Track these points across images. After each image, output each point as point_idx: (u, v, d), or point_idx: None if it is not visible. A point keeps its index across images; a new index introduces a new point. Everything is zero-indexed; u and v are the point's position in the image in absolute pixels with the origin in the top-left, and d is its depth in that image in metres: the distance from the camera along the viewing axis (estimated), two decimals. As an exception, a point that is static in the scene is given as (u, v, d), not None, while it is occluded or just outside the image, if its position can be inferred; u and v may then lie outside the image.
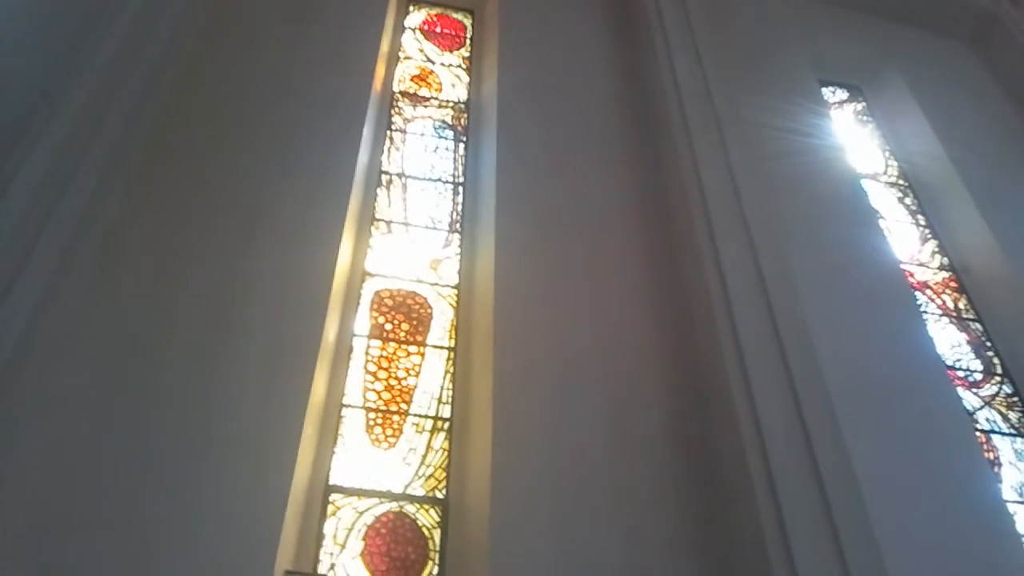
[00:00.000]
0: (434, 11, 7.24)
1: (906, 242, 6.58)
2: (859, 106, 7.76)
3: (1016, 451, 5.42)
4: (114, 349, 4.11)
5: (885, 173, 7.20)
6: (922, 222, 6.82)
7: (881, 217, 6.49)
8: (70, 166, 4.28)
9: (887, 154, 7.34)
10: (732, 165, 5.22)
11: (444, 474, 4.39)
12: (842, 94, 7.82)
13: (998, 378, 5.82)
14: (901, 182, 7.13)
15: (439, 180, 5.95)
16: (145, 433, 3.85)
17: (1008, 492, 5.10)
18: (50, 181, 4.16)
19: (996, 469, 5.24)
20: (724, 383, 4.24)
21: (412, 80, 6.63)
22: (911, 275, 6.26)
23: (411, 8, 7.18)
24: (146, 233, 4.61)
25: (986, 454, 5.26)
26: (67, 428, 3.80)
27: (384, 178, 5.81)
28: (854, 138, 7.36)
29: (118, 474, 3.70)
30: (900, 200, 6.98)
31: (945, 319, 6.13)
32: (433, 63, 6.84)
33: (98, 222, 4.45)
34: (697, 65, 5.95)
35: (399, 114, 6.32)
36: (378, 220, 5.55)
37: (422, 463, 4.42)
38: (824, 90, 7.54)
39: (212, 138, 5.17)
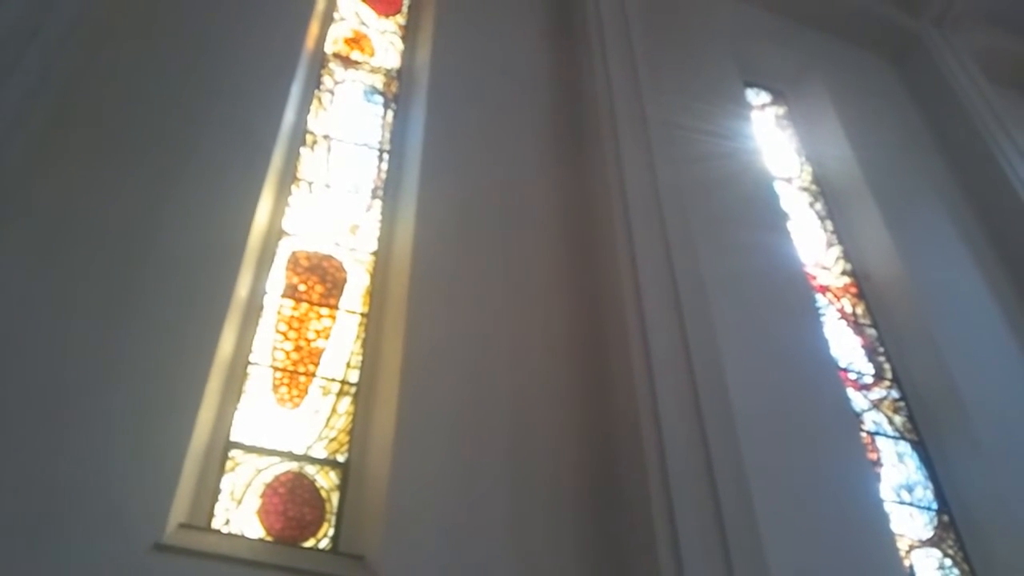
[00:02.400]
0: (373, -26, 7.17)
1: (812, 246, 6.80)
2: (780, 110, 7.96)
3: (898, 454, 5.68)
4: (23, 297, 4.02)
5: (799, 177, 7.41)
6: (829, 227, 7.06)
7: (790, 220, 6.68)
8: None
9: (802, 159, 7.56)
10: (654, 163, 5.32)
11: (347, 438, 4.41)
12: (765, 96, 8.01)
13: (887, 382, 6.08)
14: (813, 187, 7.35)
15: (365, 145, 5.93)
16: (49, 379, 3.78)
17: (887, 492, 5.36)
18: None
19: (878, 470, 5.49)
20: (628, 375, 4.33)
21: (345, 43, 6.57)
22: (814, 278, 6.47)
23: (350, -30, 7.10)
24: (56, 184, 4.48)
25: (870, 455, 5.50)
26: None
27: (309, 138, 5.77)
28: (773, 141, 7.56)
29: (16, 417, 3.64)
30: (810, 205, 7.20)
31: (843, 322, 6.36)
32: (368, 27, 6.79)
33: (12, 165, 4.32)
34: (629, 59, 6.05)
35: (330, 75, 6.26)
36: (300, 180, 5.50)
37: (326, 425, 4.43)
38: (748, 91, 7.71)
39: (134, 88, 5.03)
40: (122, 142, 4.77)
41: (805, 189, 7.32)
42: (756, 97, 7.89)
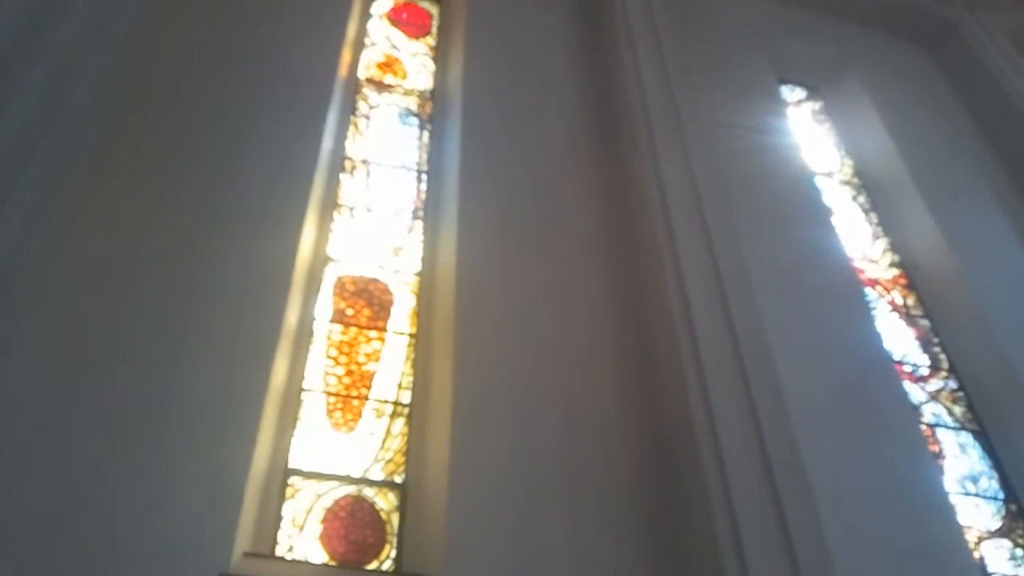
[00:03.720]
0: (401, -1, 7.25)
1: (858, 240, 6.72)
2: (816, 105, 7.89)
3: (960, 444, 5.57)
4: (76, 330, 4.10)
5: (840, 171, 7.33)
6: (874, 220, 6.97)
7: (834, 214, 6.61)
8: (28, 149, 4.24)
9: (842, 153, 7.48)
10: (692, 162, 5.29)
11: (403, 459, 4.43)
12: (800, 93, 7.94)
13: (944, 373, 5.97)
14: (854, 180, 7.27)
15: (403, 167, 5.97)
16: (108, 415, 3.84)
17: (952, 484, 5.26)
18: (6, 164, 4.12)
19: (940, 462, 5.39)
20: (679, 376, 4.31)
21: (378, 67, 6.64)
22: (862, 272, 6.39)
23: (378, -5, 7.18)
24: (105, 218, 4.58)
25: (931, 447, 5.41)
26: (29, 414, 3.79)
27: (348, 164, 5.82)
28: (810, 136, 7.49)
29: (78, 451, 3.70)
30: (853, 198, 7.12)
31: (895, 315, 6.27)
32: (399, 50, 6.85)
33: (55, 207, 4.42)
34: (660, 62, 6.03)
35: (364, 100, 6.32)
36: (341, 206, 5.56)
37: (381, 448, 4.46)
38: (783, 88, 7.66)
39: (175, 121, 5.15)
40: (166, 175, 4.87)
41: (847, 183, 7.24)
42: (791, 93, 7.83)
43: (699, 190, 5.13)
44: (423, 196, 5.80)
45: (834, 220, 6.45)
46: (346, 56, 6.20)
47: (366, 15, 6.94)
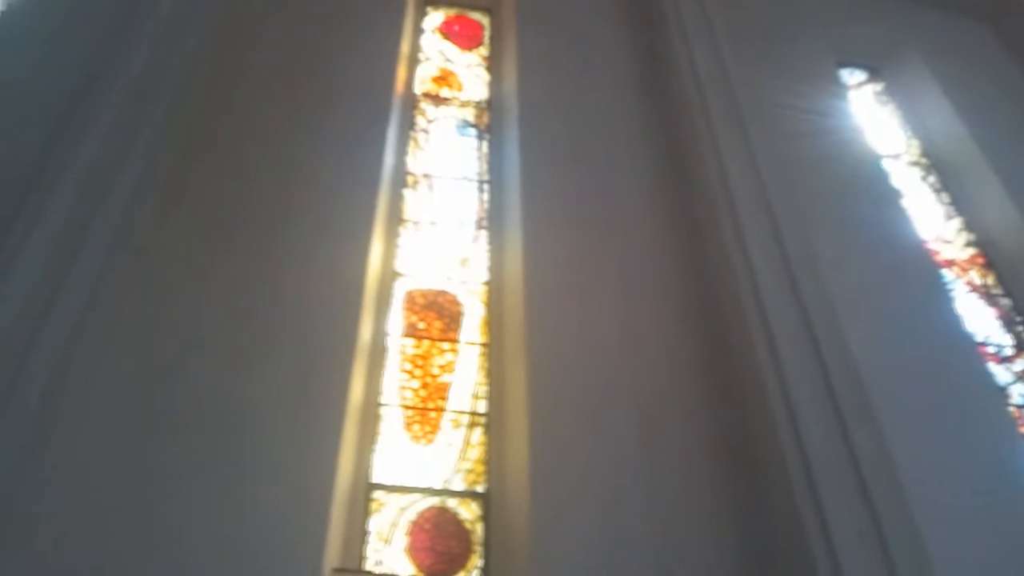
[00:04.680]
0: (451, 11, 7.28)
1: (930, 220, 6.57)
2: (878, 87, 7.73)
3: (1052, 424, 5.41)
4: (152, 358, 4.21)
5: (907, 152, 7.18)
6: (946, 200, 6.80)
7: (903, 196, 6.47)
8: (105, 176, 4.38)
9: (908, 134, 7.33)
10: (753, 147, 5.23)
11: (483, 468, 4.46)
12: (861, 75, 7.80)
13: (1030, 352, 5.81)
14: (923, 161, 7.11)
15: (464, 178, 6.01)
16: (191, 439, 3.94)
17: (1044, 466, 5.10)
18: (85, 191, 4.26)
19: (1031, 443, 5.24)
20: (755, 369, 4.26)
21: (433, 81, 6.68)
22: (936, 253, 6.25)
23: (428, 10, 7.22)
24: (178, 242, 4.70)
25: (1021, 429, 5.25)
26: (110, 432, 3.91)
27: (410, 179, 5.88)
28: (874, 119, 7.35)
29: (164, 480, 3.80)
30: (923, 179, 6.96)
31: (974, 295, 6.11)
32: (453, 63, 6.89)
33: (132, 230, 4.53)
34: (715, 50, 5.97)
35: (422, 115, 6.38)
36: (406, 221, 5.62)
37: (461, 458, 4.49)
38: (842, 71, 7.53)
39: (237, 148, 5.25)
40: (233, 203, 4.96)
41: (915, 163, 7.08)
42: (851, 76, 7.69)
43: (762, 177, 5.06)
44: (486, 206, 5.82)
45: (904, 202, 6.32)
46: (401, 73, 6.25)
47: (418, 31, 7.00)
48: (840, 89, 7.05)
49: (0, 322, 3.71)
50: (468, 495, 4.34)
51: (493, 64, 6.88)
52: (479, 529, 4.20)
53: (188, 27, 5.30)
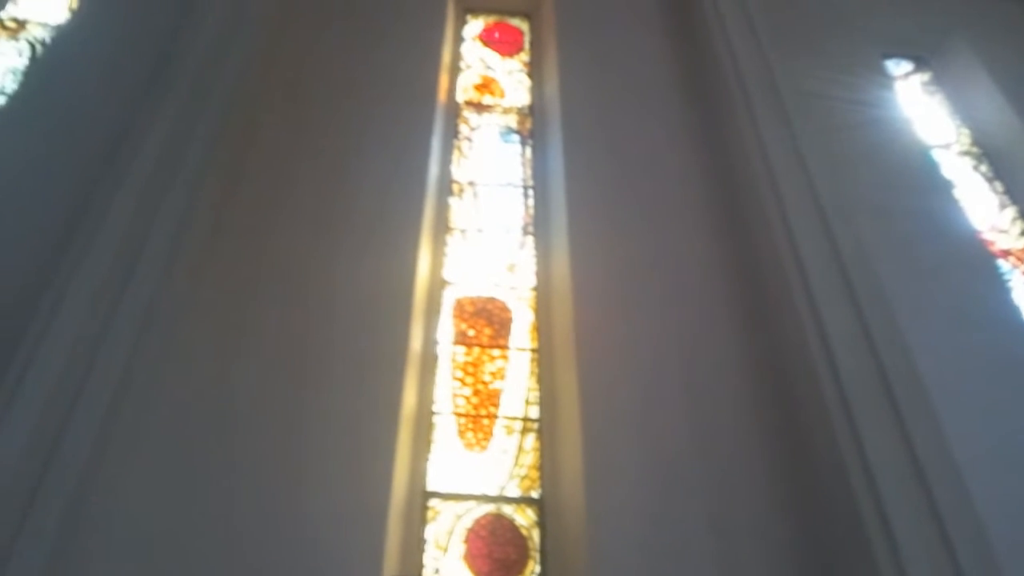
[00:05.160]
0: (491, 19, 7.31)
1: (984, 210, 6.44)
2: (925, 77, 7.61)
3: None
4: (207, 372, 4.28)
5: (957, 142, 7.06)
6: (999, 189, 6.67)
7: (955, 186, 6.36)
8: (157, 196, 4.46)
9: (957, 123, 7.20)
10: (798, 141, 5.18)
11: (537, 473, 4.46)
12: (907, 66, 7.68)
13: (1095, 343, 5.66)
14: (974, 150, 6.98)
15: (509, 184, 6.03)
16: (244, 450, 4.00)
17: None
18: (142, 208, 4.34)
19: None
20: (809, 367, 4.22)
21: (475, 89, 6.71)
22: (992, 244, 6.13)
23: (468, 18, 7.27)
24: (230, 253, 4.79)
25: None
26: (168, 444, 3.98)
27: (455, 187, 5.91)
28: (922, 109, 7.23)
29: (221, 491, 3.86)
30: (975, 168, 6.84)
31: (1033, 285, 5.99)
32: (494, 70, 6.92)
33: (185, 245, 4.61)
34: (756, 46, 5.93)
35: (465, 123, 6.41)
36: (452, 229, 5.65)
37: (515, 464, 4.50)
38: (888, 63, 7.43)
39: (284, 162, 5.32)
40: (281, 216, 5.03)
41: (966, 153, 6.95)
42: (897, 67, 7.58)
43: (809, 170, 5.01)
44: (531, 211, 5.84)
45: (956, 192, 6.21)
46: (444, 82, 6.29)
47: (459, 39, 7.04)
48: (886, 80, 6.96)
49: (65, 331, 3.79)
50: (523, 501, 4.35)
51: (534, 69, 6.90)
52: (535, 535, 4.21)
53: (234, 44, 5.37)
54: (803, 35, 6.75)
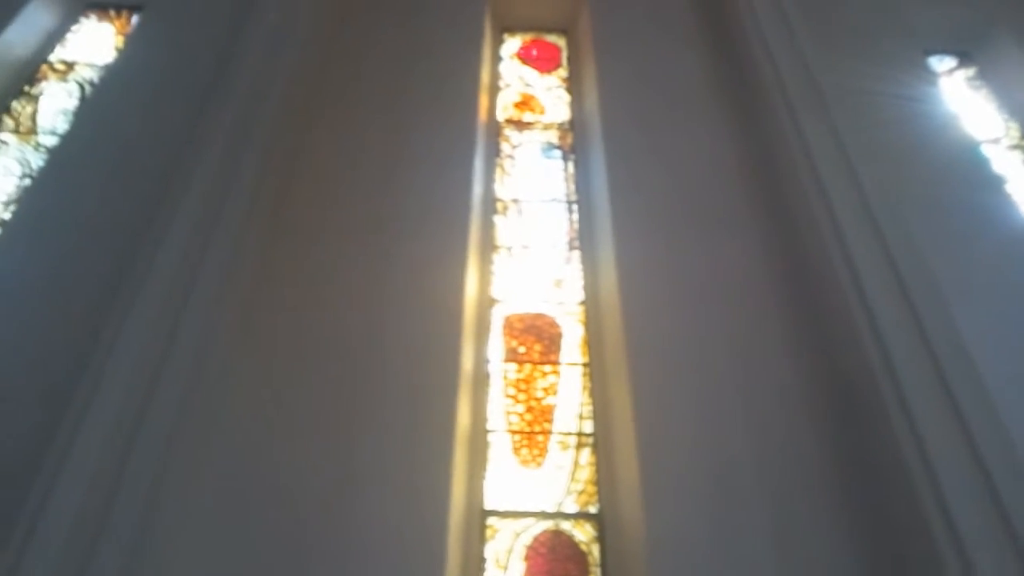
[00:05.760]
0: (528, 36, 7.35)
1: (1039, 204, 6.31)
2: (970, 72, 7.50)
3: None
4: (269, 395, 4.32)
5: (1006, 136, 6.93)
6: (1054, 182, 6.54)
7: (1006, 181, 6.24)
8: (208, 228, 4.52)
9: (1005, 117, 7.08)
10: (844, 142, 5.13)
11: (594, 488, 4.44)
12: (951, 61, 7.56)
13: None
14: (1024, 144, 6.86)
15: (553, 200, 6.04)
16: (301, 474, 4.02)
17: None
18: (194, 238, 4.40)
19: None
20: (866, 369, 4.16)
21: (515, 107, 6.75)
22: (1048, 238, 5.99)
23: (505, 37, 7.31)
24: (280, 278, 4.84)
25: None
26: (226, 466, 4.02)
27: (500, 205, 5.94)
28: (968, 104, 7.12)
29: (282, 515, 3.88)
30: (1026, 162, 6.71)
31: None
32: (533, 87, 6.94)
33: (238, 273, 4.67)
34: (795, 50, 5.88)
35: (506, 140, 6.44)
36: (498, 247, 5.67)
37: (571, 479, 4.48)
38: (931, 59, 7.33)
39: (328, 189, 5.38)
40: (332, 239, 5.08)
41: (1016, 147, 6.83)
42: (940, 64, 7.47)
43: (856, 170, 4.94)
44: (576, 226, 5.84)
45: (1008, 187, 6.09)
46: (484, 101, 6.33)
47: (497, 58, 7.09)
48: (930, 76, 6.86)
49: (130, 350, 3.85)
50: (582, 516, 4.33)
51: (573, 84, 6.91)
52: (595, 551, 4.18)
53: (277, 78, 5.43)
54: (842, 37, 6.69)
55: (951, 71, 7.47)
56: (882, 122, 5.90)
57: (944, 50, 7.55)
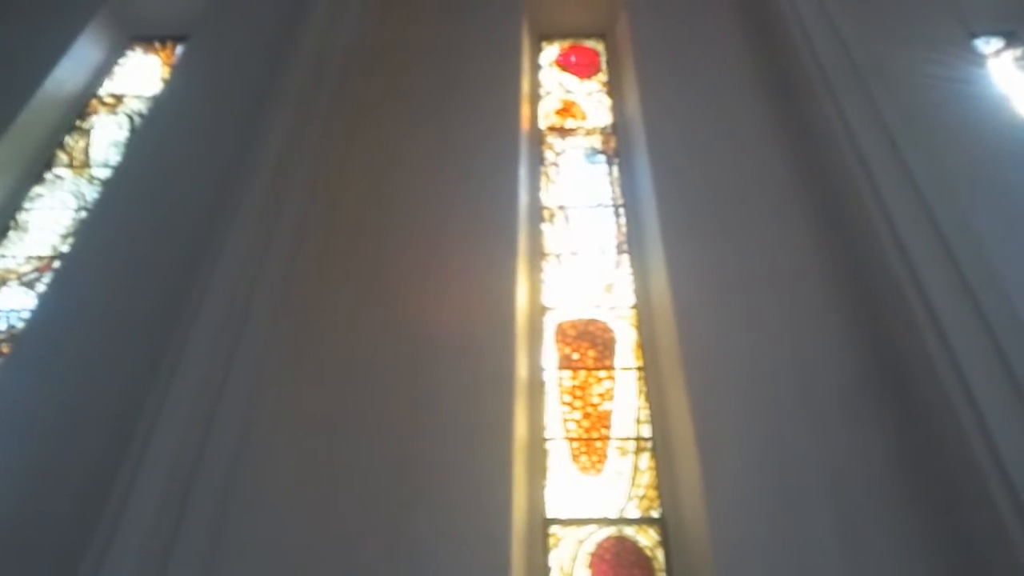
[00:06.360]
0: (566, 43, 7.36)
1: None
2: (1017, 52, 7.35)
3: None
4: (326, 402, 4.37)
5: (1062, 115, 6.78)
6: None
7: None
8: (261, 249, 4.58)
9: (1060, 96, 6.93)
10: (889, 127, 5.07)
11: (656, 493, 4.41)
12: (997, 42, 7.43)
13: None
14: (1078, 123, 6.69)
15: (599, 205, 6.03)
16: (362, 489, 4.05)
17: None
18: (250, 254, 4.46)
19: None
20: (927, 362, 4.08)
21: (556, 114, 6.75)
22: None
23: (543, 45, 7.33)
24: (332, 292, 4.90)
25: None
26: (289, 477, 4.06)
27: (546, 213, 5.94)
28: (1017, 84, 6.97)
29: (342, 528, 3.92)
30: (1081, 142, 6.54)
31: None
32: (573, 93, 6.94)
33: (294, 292, 4.73)
34: (838, 40, 5.81)
35: (549, 148, 6.44)
36: (547, 255, 5.67)
37: (632, 485, 4.46)
38: (976, 42, 7.20)
39: (374, 201, 5.43)
40: (381, 250, 5.13)
41: (1071, 126, 6.67)
42: (987, 46, 7.34)
43: (904, 157, 4.88)
44: (624, 229, 5.82)
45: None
46: (525, 111, 6.34)
47: (536, 67, 7.11)
48: (977, 58, 6.74)
49: (197, 360, 3.92)
50: (644, 521, 4.30)
51: (613, 88, 6.90)
52: (659, 555, 4.16)
53: (321, 86, 5.50)
54: (884, 23, 6.59)
55: (998, 52, 7.34)
56: (930, 106, 5.79)
57: (989, 31, 7.42)
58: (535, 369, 4.96)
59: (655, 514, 4.33)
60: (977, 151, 5.59)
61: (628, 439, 4.67)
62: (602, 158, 6.39)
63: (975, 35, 7.22)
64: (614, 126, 6.61)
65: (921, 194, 4.66)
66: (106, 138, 6.41)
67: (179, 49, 7.12)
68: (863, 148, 5.00)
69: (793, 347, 4.62)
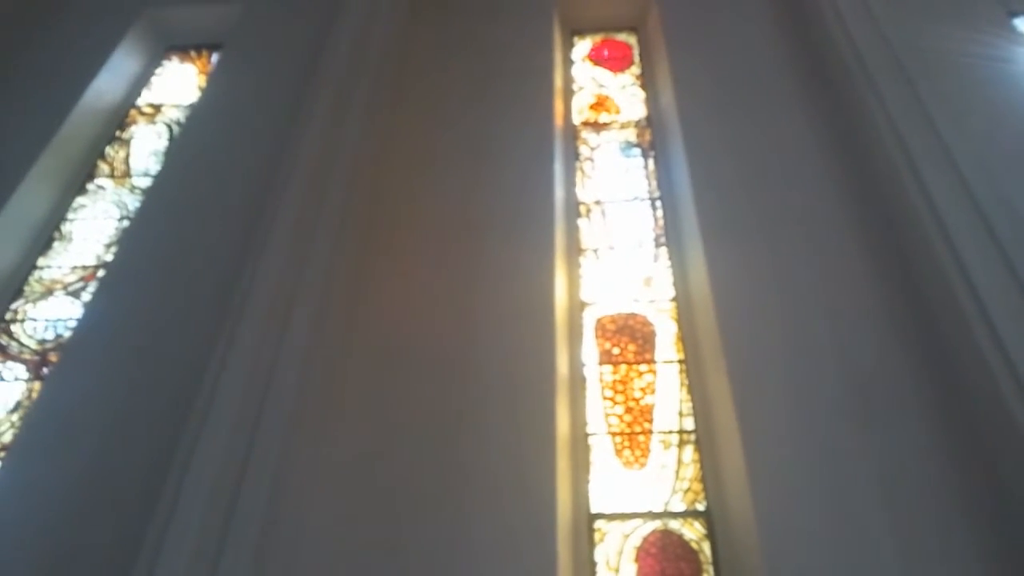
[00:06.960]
0: (598, 37, 7.34)
1: None
2: (1062, 29, 7.21)
3: None
4: (373, 414, 4.40)
5: (1109, 93, 6.64)
6: None
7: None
8: (302, 251, 4.60)
9: (1107, 74, 6.78)
10: (927, 108, 5.02)
11: (700, 485, 4.39)
12: (1038, 20, 7.30)
13: None
14: None
15: (635, 199, 6.00)
16: (406, 487, 4.09)
17: None
18: (292, 257, 4.49)
19: None
20: (976, 353, 4.01)
21: (590, 108, 6.74)
22: None
23: (575, 40, 7.32)
24: (375, 297, 4.94)
25: None
26: (338, 479, 4.11)
27: (583, 208, 5.93)
28: (1063, 64, 6.84)
29: (388, 528, 3.95)
30: None
31: None
32: (607, 87, 6.92)
33: (335, 295, 4.76)
34: (873, 25, 5.76)
35: (584, 143, 6.43)
36: (584, 250, 5.66)
37: (676, 478, 4.44)
38: (1016, 21, 7.07)
39: (412, 199, 5.47)
40: (420, 248, 5.17)
41: (1118, 104, 6.54)
42: (1026, 25, 7.21)
43: (943, 139, 4.82)
44: (661, 222, 5.79)
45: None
46: (559, 106, 6.33)
47: (568, 62, 7.09)
48: (1017, 37, 6.62)
49: (242, 363, 3.95)
50: (690, 515, 4.28)
51: (647, 81, 6.87)
52: (706, 548, 4.14)
53: (354, 90, 5.51)
54: (921, 4, 6.50)
55: (1039, 30, 7.20)
56: (969, 87, 5.71)
57: (1030, 9, 7.28)
58: (576, 365, 4.96)
59: (700, 507, 4.31)
60: (1019, 131, 5.50)
61: (671, 432, 4.65)
62: (637, 151, 6.37)
63: (1014, 14, 7.09)
64: (648, 119, 6.58)
65: (963, 177, 4.60)
66: (146, 148, 6.50)
67: (214, 57, 7.20)
68: (902, 131, 4.95)
69: (835, 336, 4.57)
